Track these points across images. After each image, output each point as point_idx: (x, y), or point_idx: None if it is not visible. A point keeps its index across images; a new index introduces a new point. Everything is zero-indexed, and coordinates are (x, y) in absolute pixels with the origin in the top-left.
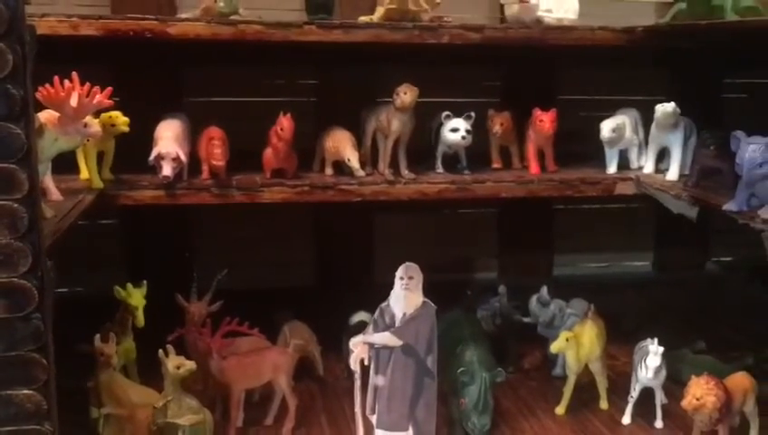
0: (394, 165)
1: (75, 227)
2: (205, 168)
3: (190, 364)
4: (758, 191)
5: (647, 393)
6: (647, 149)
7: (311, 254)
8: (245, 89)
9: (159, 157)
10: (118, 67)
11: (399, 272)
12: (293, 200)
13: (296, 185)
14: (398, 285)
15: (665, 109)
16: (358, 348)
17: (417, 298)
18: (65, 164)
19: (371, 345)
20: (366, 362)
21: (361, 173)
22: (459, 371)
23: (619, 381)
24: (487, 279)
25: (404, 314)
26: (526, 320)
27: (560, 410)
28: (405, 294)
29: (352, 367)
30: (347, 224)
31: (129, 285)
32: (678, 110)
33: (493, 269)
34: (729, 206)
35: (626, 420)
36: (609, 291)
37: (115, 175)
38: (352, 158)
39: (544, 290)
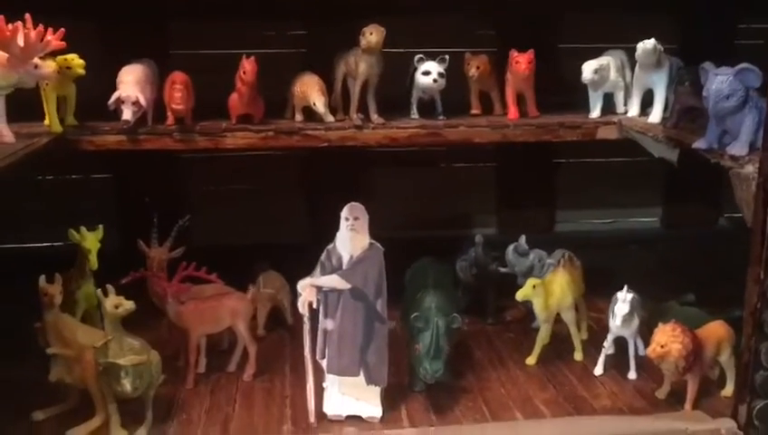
0: (364, 110)
1: (23, 167)
2: (169, 114)
3: (128, 304)
4: (729, 126)
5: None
6: None
7: (304, 209)
8: (234, 41)
9: (120, 101)
10: (104, 20)
11: (344, 212)
12: (258, 146)
13: (261, 130)
14: (344, 225)
15: (645, 46)
16: (305, 291)
17: (364, 239)
18: (36, 112)
19: (319, 288)
20: (314, 306)
21: (330, 118)
22: (413, 316)
23: (603, 334)
24: (486, 235)
25: (351, 257)
26: (503, 270)
27: (530, 360)
28: (351, 236)
29: (300, 310)
30: (341, 178)
31: (83, 229)
32: (661, 47)
33: (492, 225)
34: (699, 144)
35: (598, 370)
36: (613, 247)
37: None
38: (318, 102)
39: (522, 239)
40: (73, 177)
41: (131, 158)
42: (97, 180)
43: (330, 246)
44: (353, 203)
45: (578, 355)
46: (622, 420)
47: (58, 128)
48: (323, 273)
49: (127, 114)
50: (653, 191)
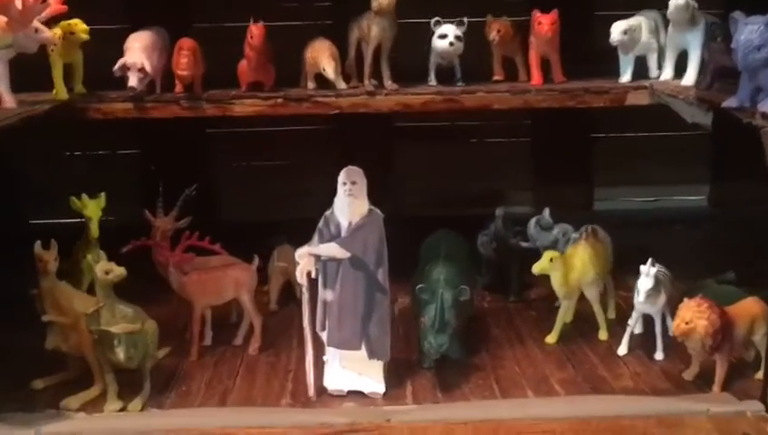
0: (379, 77)
1: (20, 130)
2: (178, 81)
3: (119, 270)
4: (762, 82)
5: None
6: None
7: (334, 185)
8: (258, 13)
9: (125, 68)
10: None
11: (341, 176)
12: (267, 113)
13: (269, 97)
14: (342, 191)
15: (677, 2)
16: (303, 260)
17: (363, 205)
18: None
19: (317, 257)
20: (313, 275)
21: (342, 85)
22: (418, 287)
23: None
24: (522, 213)
25: (350, 224)
26: (525, 244)
27: (550, 338)
28: (349, 201)
29: (299, 280)
30: (372, 154)
31: (85, 196)
32: (694, 3)
33: (527, 203)
34: (729, 102)
35: (622, 350)
36: (656, 227)
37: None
38: (328, 67)
39: (546, 213)
40: (100, 153)
41: (160, 134)
42: (126, 156)
43: (327, 213)
44: (350, 166)
45: (602, 334)
46: (639, 401)
47: (63, 95)
48: (321, 241)
49: (133, 81)
50: (700, 167)
